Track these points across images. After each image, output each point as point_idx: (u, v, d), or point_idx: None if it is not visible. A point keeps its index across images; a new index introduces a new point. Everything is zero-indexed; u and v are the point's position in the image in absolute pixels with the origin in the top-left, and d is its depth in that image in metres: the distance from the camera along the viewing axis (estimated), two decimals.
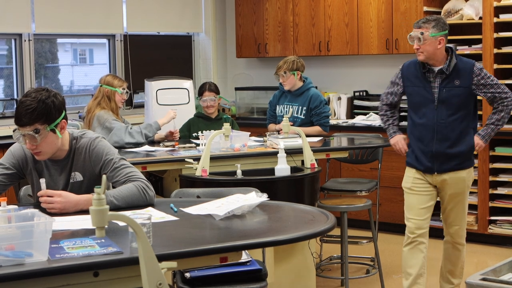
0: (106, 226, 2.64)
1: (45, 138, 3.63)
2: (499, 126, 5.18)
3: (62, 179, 3.81)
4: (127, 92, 6.40)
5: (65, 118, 3.72)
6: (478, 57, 7.14)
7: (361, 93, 8.47)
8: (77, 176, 3.81)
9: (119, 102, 6.33)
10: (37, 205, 3.63)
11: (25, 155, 3.81)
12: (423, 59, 5.06)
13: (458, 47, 7.29)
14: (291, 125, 5.82)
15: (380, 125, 7.72)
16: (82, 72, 9.08)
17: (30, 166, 3.82)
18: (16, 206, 3.27)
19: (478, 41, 7.12)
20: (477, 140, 5.13)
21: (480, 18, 7.10)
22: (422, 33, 4.99)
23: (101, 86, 6.34)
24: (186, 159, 5.28)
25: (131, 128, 6.19)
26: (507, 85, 6.94)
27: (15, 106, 7.53)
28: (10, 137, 3.84)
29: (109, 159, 3.79)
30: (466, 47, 7.26)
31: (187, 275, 3.64)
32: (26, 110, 3.57)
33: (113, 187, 3.77)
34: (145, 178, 3.78)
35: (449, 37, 7.39)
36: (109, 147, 3.86)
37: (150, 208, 3.62)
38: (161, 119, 6.42)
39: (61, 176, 3.81)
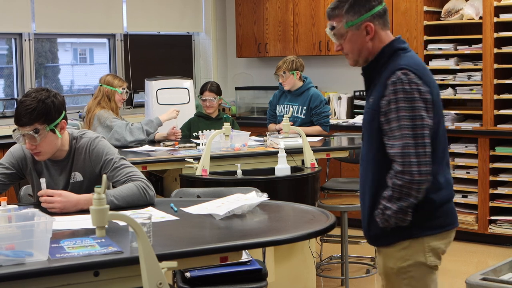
0: (107, 226, 2.64)
1: (44, 138, 3.62)
2: (386, 217, 3.01)
3: (62, 179, 3.80)
4: (127, 92, 6.40)
5: (65, 118, 3.72)
6: (478, 57, 7.15)
7: (361, 93, 8.46)
8: (77, 176, 3.81)
9: (119, 102, 6.33)
10: (37, 204, 3.63)
11: (24, 155, 3.81)
12: (352, 64, 3.32)
13: (458, 47, 7.30)
14: (291, 125, 5.82)
15: None
16: (82, 72, 9.08)
17: (29, 167, 3.82)
18: (16, 206, 3.27)
19: (479, 41, 7.12)
20: None
21: (481, 18, 7.10)
22: (333, 27, 3.17)
23: (101, 85, 6.34)
24: (186, 159, 5.28)
25: (131, 125, 6.19)
26: (506, 85, 7.02)
27: (15, 105, 7.53)
28: (10, 136, 3.84)
29: (109, 158, 3.79)
30: (467, 46, 7.25)
31: (187, 274, 3.64)
32: (25, 110, 3.57)
33: (113, 187, 3.77)
34: (145, 178, 3.78)
35: (449, 37, 7.45)
36: (109, 147, 3.85)
37: (150, 208, 3.62)
38: (163, 115, 6.41)
39: (61, 176, 3.81)
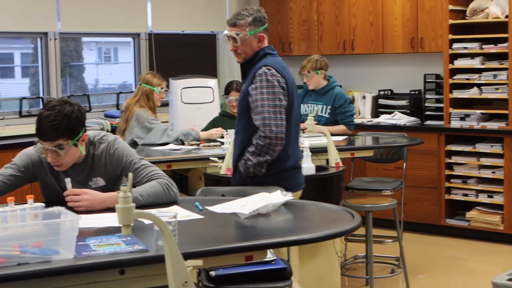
0: (132, 224, 2.65)
1: (67, 152, 3.63)
2: (247, 166, 4.22)
3: (80, 182, 3.77)
4: (165, 91, 6.41)
5: (85, 130, 3.71)
6: (504, 56, 7.10)
7: (385, 92, 8.44)
8: (99, 181, 3.80)
9: (157, 100, 6.34)
10: (63, 203, 3.62)
11: (41, 161, 3.77)
12: (241, 61, 4.36)
13: (483, 46, 7.25)
14: (316, 124, 5.81)
15: (405, 124, 7.70)
16: (107, 71, 9.12)
17: (44, 171, 3.78)
18: (43, 204, 3.28)
19: (504, 40, 7.07)
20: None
21: (506, 16, 7.06)
22: (238, 33, 4.27)
23: (140, 84, 6.35)
24: (210, 158, 5.28)
25: (171, 130, 6.19)
26: None
27: (41, 104, 7.57)
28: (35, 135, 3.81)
29: (130, 160, 3.78)
30: (492, 45, 7.21)
31: (212, 273, 3.64)
32: (51, 126, 3.53)
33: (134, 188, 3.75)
34: (167, 176, 3.77)
35: (475, 36, 7.41)
36: (128, 149, 3.84)
37: (175, 207, 3.62)
38: (204, 132, 6.34)
39: (78, 179, 3.77)
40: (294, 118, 4.29)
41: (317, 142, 5.56)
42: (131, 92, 7.83)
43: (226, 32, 4.31)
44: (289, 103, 4.21)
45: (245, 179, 4.25)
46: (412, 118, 7.87)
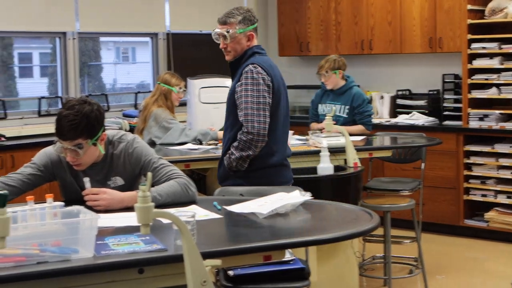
0: (151, 223, 2.65)
1: (86, 152, 3.64)
2: (231, 159, 4.31)
3: (98, 182, 3.78)
4: (184, 91, 6.42)
5: (104, 129, 3.72)
6: None
7: (404, 92, 8.42)
8: (118, 181, 3.80)
9: (175, 100, 6.35)
10: (82, 202, 3.63)
11: (60, 160, 3.79)
12: (231, 59, 4.45)
13: (502, 46, 7.22)
14: (334, 124, 5.80)
15: (423, 124, 7.68)
16: (125, 71, 9.15)
17: (64, 170, 3.80)
18: (62, 203, 3.30)
19: None
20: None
21: None
22: (228, 31, 4.40)
23: (158, 83, 6.36)
24: None
25: (189, 129, 6.19)
26: None
27: (59, 104, 7.60)
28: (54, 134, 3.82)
29: (148, 159, 3.79)
30: (511, 45, 7.17)
31: (231, 273, 3.64)
32: (70, 126, 3.54)
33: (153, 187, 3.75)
34: (186, 175, 3.78)
35: (493, 36, 7.37)
36: (147, 148, 3.85)
37: (193, 206, 3.62)
38: (222, 131, 6.34)
39: (97, 178, 3.78)
40: (281, 116, 4.37)
41: (335, 142, 5.56)
42: (149, 91, 7.86)
43: (216, 30, 4.44)
44: (275, 101, 4.29)
45: (229, 173, 4.35)
46: (431, 118, 7.85)
